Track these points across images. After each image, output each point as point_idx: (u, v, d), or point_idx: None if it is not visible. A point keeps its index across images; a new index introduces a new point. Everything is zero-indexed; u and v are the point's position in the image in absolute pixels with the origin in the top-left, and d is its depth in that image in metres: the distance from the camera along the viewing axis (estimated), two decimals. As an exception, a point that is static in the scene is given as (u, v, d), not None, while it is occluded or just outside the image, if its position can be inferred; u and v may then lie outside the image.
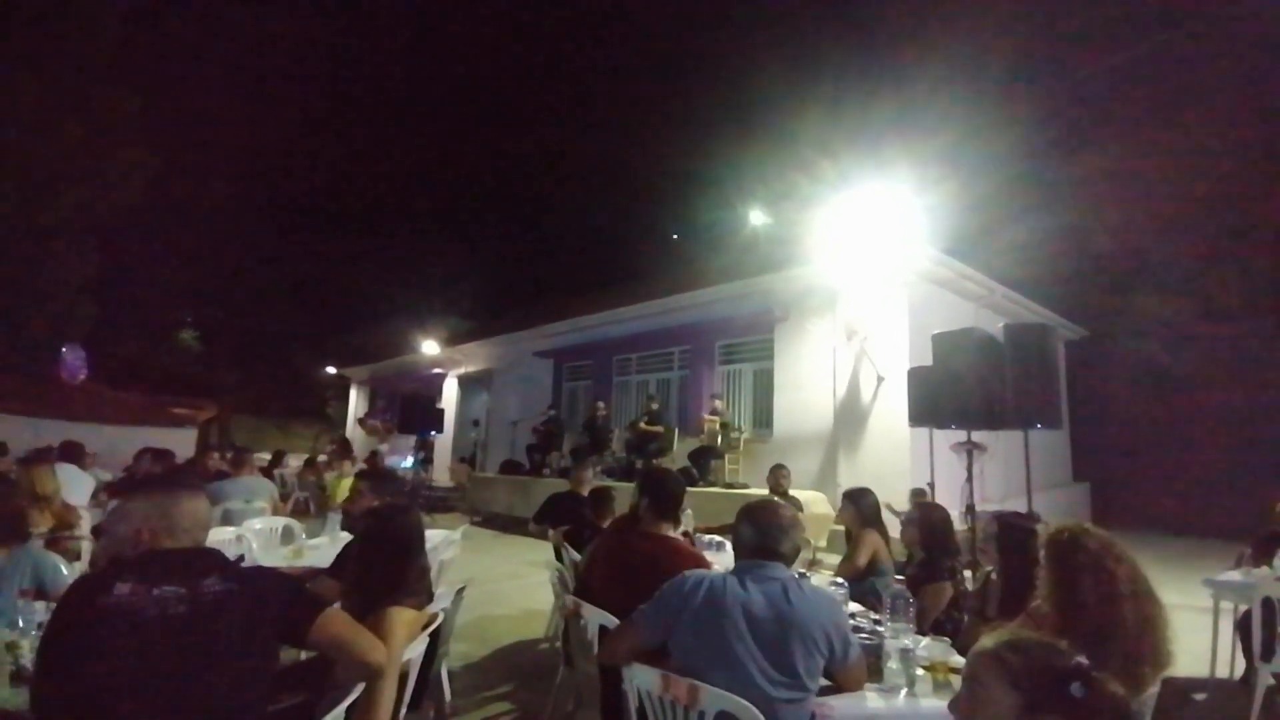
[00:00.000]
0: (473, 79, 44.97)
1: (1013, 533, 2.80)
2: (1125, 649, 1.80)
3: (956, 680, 2.12)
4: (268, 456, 11.85)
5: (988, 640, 1.24)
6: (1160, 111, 15.25)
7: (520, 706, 3.82)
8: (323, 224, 37.52)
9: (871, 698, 2.09)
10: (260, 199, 30.89)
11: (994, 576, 2.89)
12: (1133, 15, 16.09)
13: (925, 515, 3.45)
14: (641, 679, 2.11)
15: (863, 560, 3.92)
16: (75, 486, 5.25)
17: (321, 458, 12.33)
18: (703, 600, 2.00)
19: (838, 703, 2.03)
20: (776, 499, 2.99)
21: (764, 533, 2.13)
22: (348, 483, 7.26)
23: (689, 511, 4.88)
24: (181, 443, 13.11)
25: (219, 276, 28.38)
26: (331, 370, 26.92)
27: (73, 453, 6.28)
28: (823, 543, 7.48)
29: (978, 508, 4.84)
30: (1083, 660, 1.14)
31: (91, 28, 18.24)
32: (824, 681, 2.06)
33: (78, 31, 17.95)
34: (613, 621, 2.49)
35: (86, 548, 4.03)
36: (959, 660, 2.23)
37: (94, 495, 5.80)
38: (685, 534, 4.47)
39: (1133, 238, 14.70)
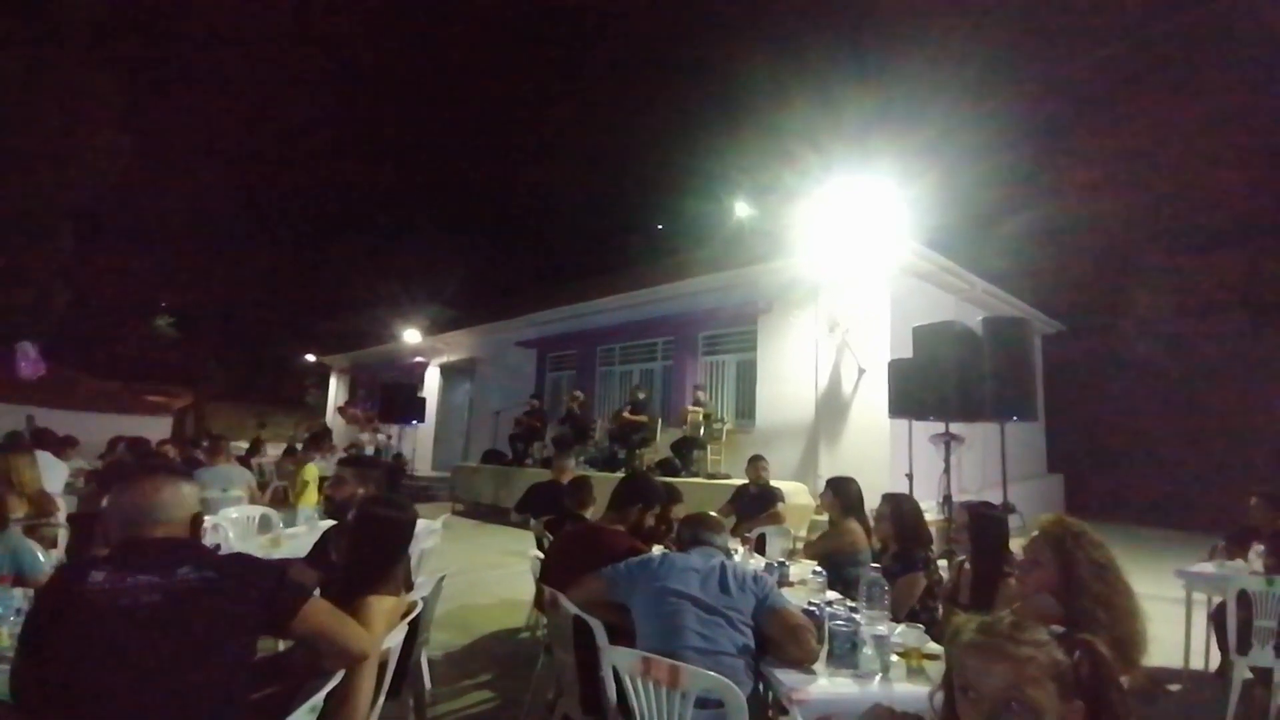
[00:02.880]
0: (457, 68, 44.37)
1: (983, 522, 2.91)
2: (1121, 637, 1.83)
3: (930, 666, 2.17)
4: (245, 445, 11.70)
5: (1013, 648, 1.17)
6: (1139, 108, 15.45)
7: (500, 695, 3.84)
8: (303, 210, 36.93)
9: (846, 683, 2.13)
10: (240, 184, 30.30)
11: (966, 565, 2.96)
12: (1114, 11, 16.26)
13: (896, 508, 3.49)
14: (621, 661, 2.13)
15: (815, 552, 4.03)
16: (48, 474, 5.17)
17: (299, 446, 12.19)
18: (660, 562, 2.55)
19: (814, 689, 2.07)
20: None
21: (698, 533, 2.76)
22: (312, 470, 7.21)
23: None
24: (156, 430, 12.94)
25: (197, 262, 27.82)
26: (311, 358, 26.58)
27: (46, 439, 6.19)
28: (802, 532, 7.55)
29: (955, 498, 4.92)
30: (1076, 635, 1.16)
31: (71, 10, 17.82)
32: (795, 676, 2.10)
33: (57, 13, 17.53)
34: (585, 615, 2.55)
35: (62, 535, 3.97)
36: (934, 647, 2.28)
37: (68, 483, 5.71)
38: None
39: (1111, 234, 14.93)
